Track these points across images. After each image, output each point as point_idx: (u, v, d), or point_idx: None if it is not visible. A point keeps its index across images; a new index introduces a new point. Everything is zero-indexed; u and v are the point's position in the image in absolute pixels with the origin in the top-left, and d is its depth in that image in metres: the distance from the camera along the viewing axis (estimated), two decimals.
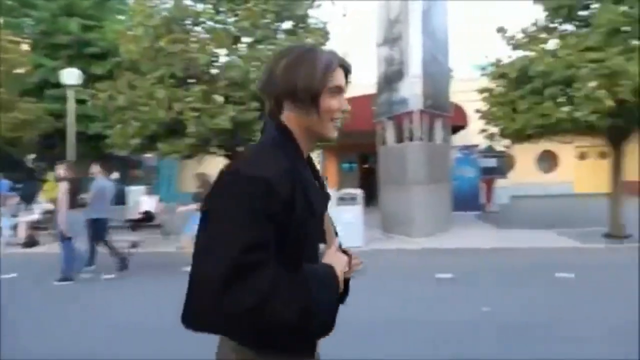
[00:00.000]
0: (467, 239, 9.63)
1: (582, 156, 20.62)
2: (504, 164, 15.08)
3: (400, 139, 10.31)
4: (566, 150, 20.26)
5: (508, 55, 9.23)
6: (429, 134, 10.20)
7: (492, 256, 8.02)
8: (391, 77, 10.55)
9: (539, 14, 9.12)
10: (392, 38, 10.45)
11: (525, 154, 20.25)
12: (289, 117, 1.20)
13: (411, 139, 9.88)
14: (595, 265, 7.03)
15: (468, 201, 14.36)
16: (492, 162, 14.56)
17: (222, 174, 1.10)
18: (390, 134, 10.67)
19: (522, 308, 4.97)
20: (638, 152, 14.22)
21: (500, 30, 8.95)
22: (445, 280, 6.28)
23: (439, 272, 6.61)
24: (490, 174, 14.55)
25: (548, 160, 21.27)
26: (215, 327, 1.04)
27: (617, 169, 9.09)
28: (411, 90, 9.78)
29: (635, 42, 7.69)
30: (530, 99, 8.28)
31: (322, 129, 1.21)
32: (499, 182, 15.55)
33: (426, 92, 9.75)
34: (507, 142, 10.73)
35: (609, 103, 7.22)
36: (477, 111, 9.78)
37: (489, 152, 14.39)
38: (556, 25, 9.02)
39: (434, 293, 5.73)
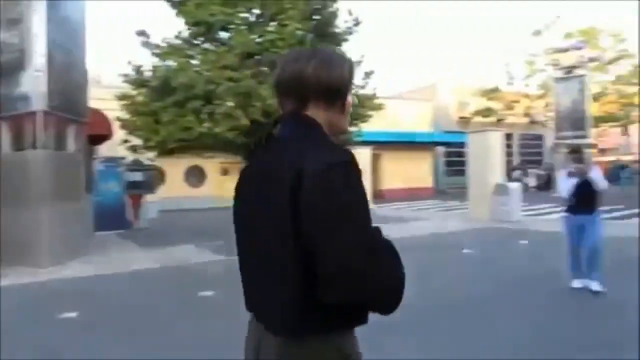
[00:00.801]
0: (108, 263, 8.50)
1: (225, 172, 22.36)
2: (152, 178, 14.53)
3: (19, 145, 8.29)
4: (212, 165, 21.56)
5: (153, 63, 8.74)
6: (59, 142, 8.58)
7: (132, 281, 7.20)
8: (8, 67, 8.42)
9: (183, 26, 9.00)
10: (10, 18, 8.36)
11: (175, 168, 20.44)
12: (316, 114, 1.27)
13: (34, 146, 8.06)
14: (237, 276, 7.18)
15: (114, 219, 13.10)
16: (139, 176, 13.76)
17: (304, 172, 1.13)
18: (5, 139, 8.47)
19: (156, 344, 4.36)
20: None
21: (142, 34, 8.37)
22: (69, 320, 5.09)
23: (63, 311, 5.35)
24: (137, 189, 13.72)
25: (196, 175, 22.16)
26: (362, 295, 1.12)
27: None
28: (34, 85, 8.00)
29: (265, 68, 8.45)
30: (173, 111, 7.98)
31: (343, 123, 1.34)
32: (148, 197, 14.94)
33: (53, 89, 8.13)
34: (152, 154, 10.23)
35: (245, 121, 7.63)
36: (118, 119, 8.88)
37: (136, 165, 13.57)
38: (198, 41, 9.09)
39: (54, 339, 4.49)
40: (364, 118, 9.56)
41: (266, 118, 7.81)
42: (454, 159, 29.92)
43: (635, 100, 29.66)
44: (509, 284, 6.11)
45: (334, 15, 9.26)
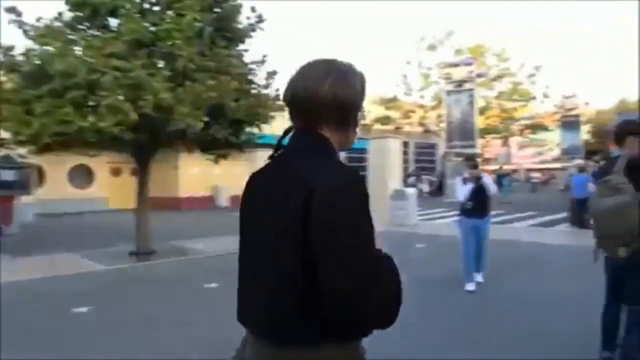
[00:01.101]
0: None
1: (115, 172, 20.68)
2: (27, 177, 12.90)
3: None
4: (101, 165, 19.83)
5: (26, 46, 7.64)
6: None
7: None
8: None
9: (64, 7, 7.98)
10: None
11: (58, 167, 18.49)
12: (327, 131, 1.28)
13: None
14: (118, 290, 6.47)
15: None
16: (9, 175, 12.14)
17: (317, 190, 1.14)
18: None
19: None
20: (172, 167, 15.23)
21: (11, 11, 7.28)
22: None
23: None
24: (7, 189, 12.08)
25: (83, 175, 20.23)
26: (365, 314, 1.16)
27: (142, 184, 9.03)
28: None
29: (159, 60, 7.78)
30: (48, 102, 7.01)
31: (350, 141, 1.34)
32: (22, 199, 13.26)
33: None
34: (25, 150, 8.99)
35: (133, 116, 6.91)
36: None
37: (6, 162, 11.95)
38: (83, 26, 8.12)
39: None
40: (265, 119, 9.22)
41: (158, 112, 7.13)
42: (355, 164, 30.66)
43: (515, 114, 32.77)
44: (409, 287, 6.12)
45: (236, 9, 8.81)
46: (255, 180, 1.38)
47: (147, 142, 8.08)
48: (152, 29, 7.64)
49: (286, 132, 1.35)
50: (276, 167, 1.32)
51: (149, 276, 7.39)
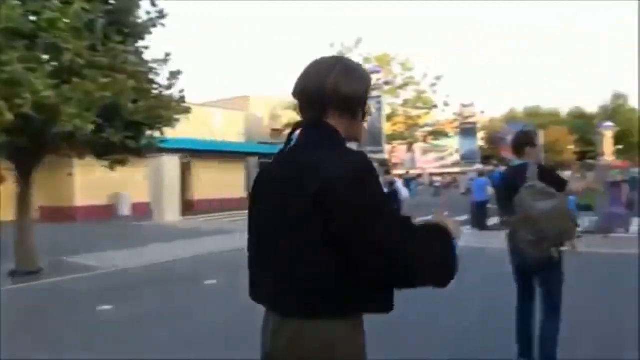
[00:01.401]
0: None
1: None
2: None
3: None
4: None
5: None
6: None
7: None
8: None
9: None
10: None
11: None
12: (335, 123, 1.34)
13: None
14: None
15: None
16: None
17: (329, 177, 1.20)
18: None
19: None
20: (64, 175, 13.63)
21: None
22: None
23: None
24: None
25: None
26: (418, 278, 1.28)
27: (24, 193, 7.98)
28: None
29: (41, 54, 6.87)
30: None
31: (359, 133, 1.41)
32: None
33: None
34: None
35: (8, 116, 6.00)
36: None
37: None
38: None
39: None
40: (168, 122, 8.56)
41: (39, 113, 6.27)
42: None
43: (419, 121, 34.38)
44: None
45: (134, 3, 8.08)
46: (264, 173, 1.44)
47: (27, 146, 7.11)
48: (33, 18, 6.74)
49: (295, 127, 1.39)
50: (285, 159, 1.37)
51: (29, 300, 6.47)
